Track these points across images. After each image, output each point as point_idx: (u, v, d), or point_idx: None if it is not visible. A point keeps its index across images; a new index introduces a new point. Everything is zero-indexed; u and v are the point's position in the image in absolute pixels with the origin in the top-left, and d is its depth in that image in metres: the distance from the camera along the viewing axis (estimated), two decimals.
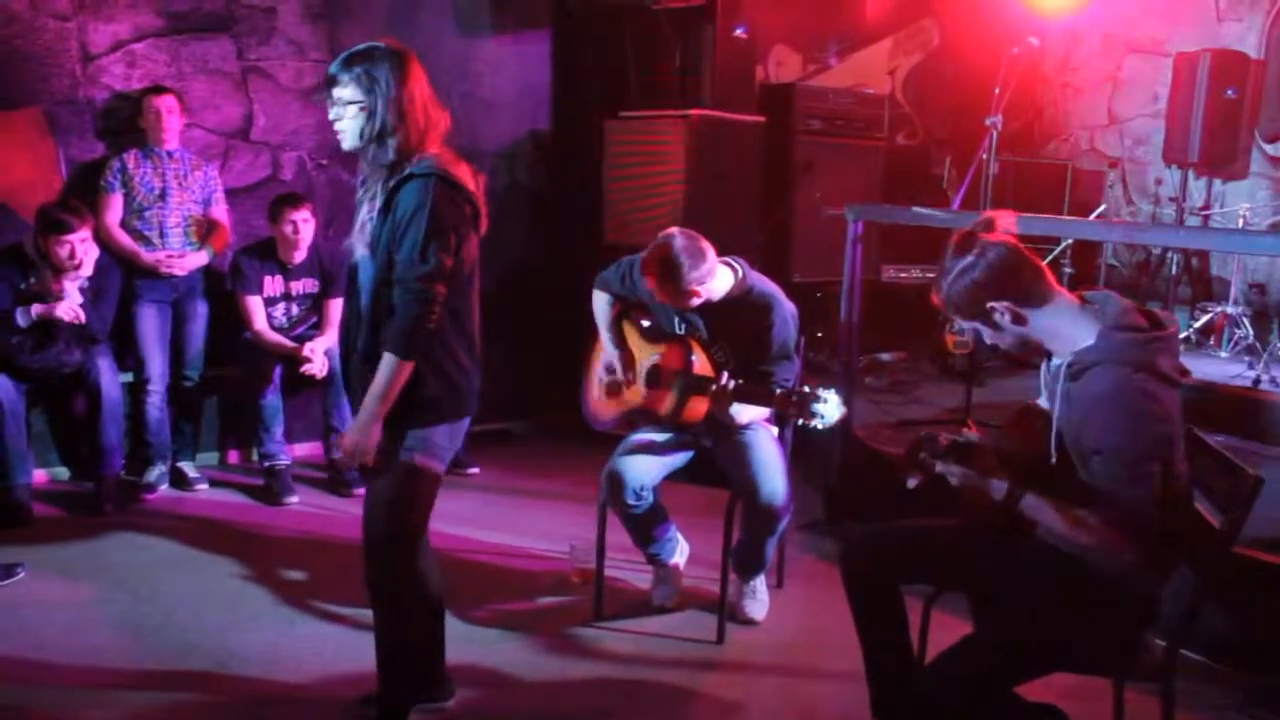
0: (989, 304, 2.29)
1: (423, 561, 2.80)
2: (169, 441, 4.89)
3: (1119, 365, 2.17)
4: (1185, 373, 2.25)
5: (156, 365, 4.81)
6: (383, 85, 2.52)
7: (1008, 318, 2.30)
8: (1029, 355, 2.48)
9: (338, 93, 2.56)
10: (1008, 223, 2.35)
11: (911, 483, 2.42)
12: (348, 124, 2.57)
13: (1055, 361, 2.36)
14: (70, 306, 4.38)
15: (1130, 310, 2.26)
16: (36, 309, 4.34)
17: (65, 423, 4.88)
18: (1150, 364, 2.16)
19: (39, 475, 4.77)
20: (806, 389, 3.06)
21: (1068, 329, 2.29)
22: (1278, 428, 4.62)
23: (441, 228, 2.51)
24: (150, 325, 4.81)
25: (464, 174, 2.61)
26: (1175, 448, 2.21)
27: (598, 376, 3.75)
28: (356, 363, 2.70)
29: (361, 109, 2.54)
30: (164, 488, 4.83)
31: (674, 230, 3.37)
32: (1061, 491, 2.25)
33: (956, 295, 2.32)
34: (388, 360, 2.53)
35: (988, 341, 2.42)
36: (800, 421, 3.07)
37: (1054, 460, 2.33)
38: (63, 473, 4.95)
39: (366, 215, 2.60)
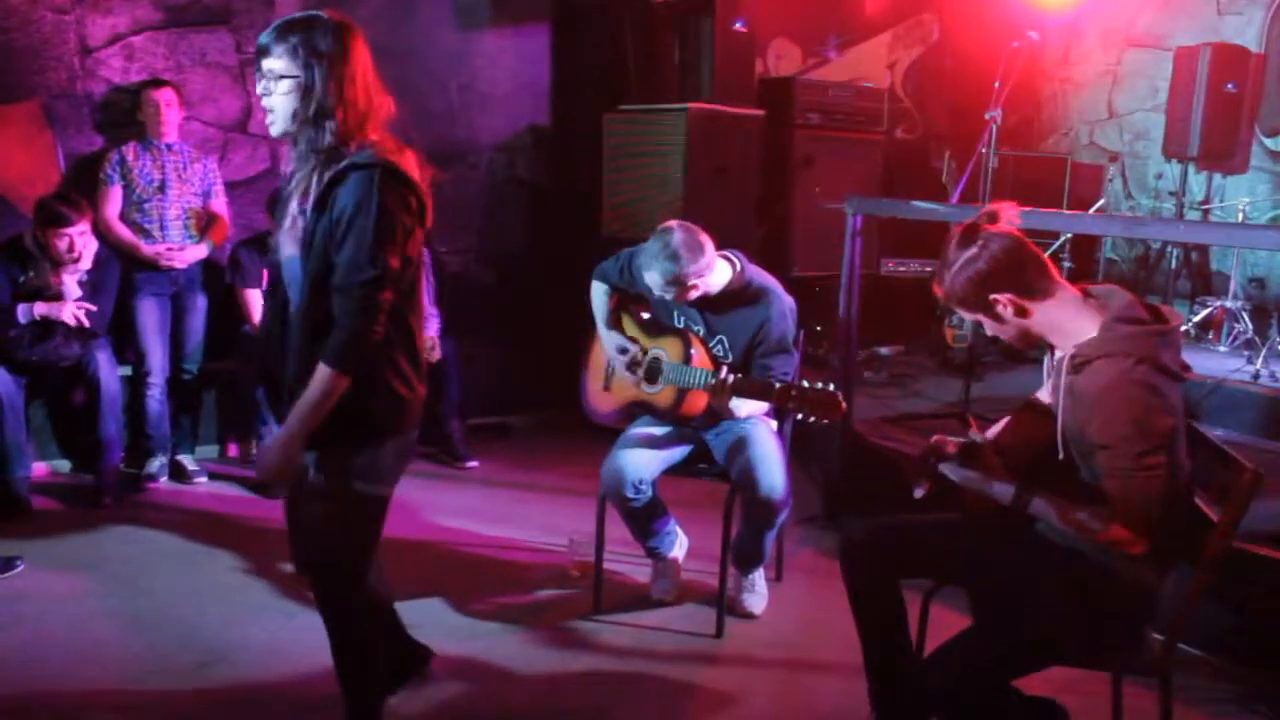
0: (992, 296, 2.29)
1: (371, 579, 2.60)
2: (169, 434, 4.89)
3: (1121, 358, 2.17)
4: (1186, 368, 2.25)
5: (156, 358, 4.81)
6: (321, 59, 2.25)
7: (1010, 310, 2.30)
8: (1030, 348, 2.48)
9: (268, 65, 2.28)
10: (1011, 215, 2.34)
11: (919, 492, 2.42)
12: (278, 101, 2.30)
13: (1057, 355, 2.36)
14: (74, 311, 4.38)
15: (1133, 304, 2.26)
16: (39, 309, 4.34)
17: (64, 415, 4.88)
18: (1153, 357, 2.16)
19: (38, 468, 4.77)
20: (805, 383, 3.06)
21: (1070, 322, 2.29)
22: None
23: (388, 226, 2.22)
24: (150, 318, 4.80)
25: (409, 164, 2.33)
26: (1177, 441, 2.21)
27: (598, 370, 3.75)
28: (289, 375, 2.39)
29: (295, 84, 2.27)
30: (163, 480, 4.83)
31: (673, 223, 3.37)
32: (1066, 487, 2.25)
33: (960, 287, 2.32)
34: (323, 373, 2.23)
35: (989, 334, 2.42)
36: (799, 415, 3.07)
37: (1061, 456, 2.33)
38: (62, 465, 4.96)
39: (297, 209, 2.33)
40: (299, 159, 2.34)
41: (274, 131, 2.35)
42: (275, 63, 2.27)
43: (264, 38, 2.28)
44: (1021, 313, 2.30)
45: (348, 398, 2.28)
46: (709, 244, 3.34)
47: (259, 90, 2.33)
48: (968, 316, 2.41)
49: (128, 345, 4.84)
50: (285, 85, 2.28)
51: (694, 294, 3.37)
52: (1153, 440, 2.12)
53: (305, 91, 2.26)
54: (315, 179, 2.30)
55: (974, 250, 2.29)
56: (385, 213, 2.22)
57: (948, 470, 2.37)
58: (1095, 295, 2.32)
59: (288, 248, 2.39)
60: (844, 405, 3.05)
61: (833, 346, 5.84)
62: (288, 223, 2.37)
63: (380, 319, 2.25)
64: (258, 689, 3.08)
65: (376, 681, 2.66)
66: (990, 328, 2.38)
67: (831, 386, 3.03)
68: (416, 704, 2.96)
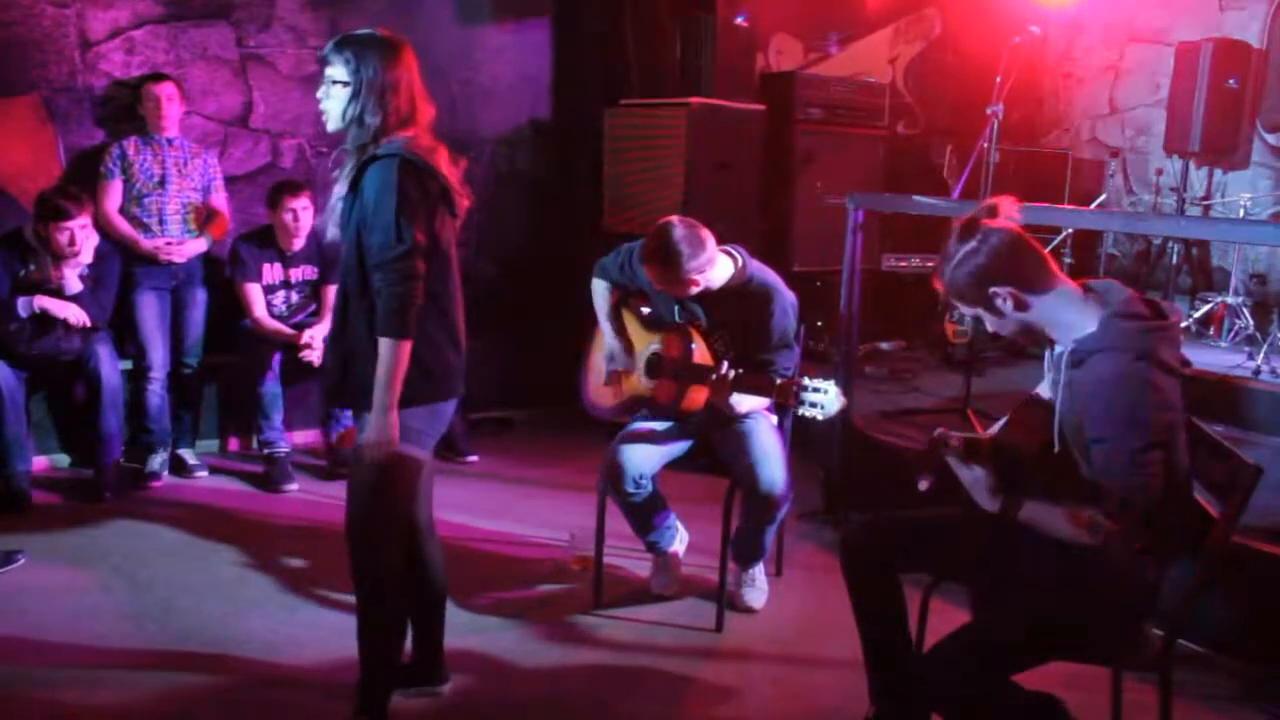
0: (992, 289, 2.29)
1: (424, 548, 2.86)
2: (170, 428, 4.89)
3: (1120, 352, 2.17)
4: (1187, 363, 2.25)
5: (157, 352, 4.81)
6: (369, 68, 2.55)
7: (1010, 304, 2.30)
8: (1030, 343, 2.48)
9: (329, 73, 2.60)
10: (1011, 209, 2.34)
11: (923, 485, 2.42)
12: (332, 104, 2.60)
13: (1057, 350, 2.36)
14: (78, 314, 4.39)
15: (1133, 299, 2.25)
16: (39, 301, 4.34)
17: (65, 410, 4.89)
18: (1151, 352, 2.16)
19: (38, 462, 4.77)
20: (806, 379, 3.06)
21: (1070, 316, 2.29)
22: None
23: (409, 206, 2.50)
24: (150, 312, 4.80)
25: (439, 158, 2.61)
26: (1176, 436, 2.21)
27: (599, 365, 3.75)
28: (333, 339, 2.72)
29: (347, 90, 2.57)
30: (165, 476, 4.83)
31: (673, 218, 3.37)
32: (1065, 482, 2.25)
33: (960, 280, 2.32)
34: (384, 345, 2.51)
35: (989, 329, 2.41)
36: (800, 411, 3.07)
37: (1057, 449, 2.33)
38: (62, 459, 4.96)
39: (337, 196, 2.63)
40: (347, 153, 2.63)
41: (329, 128, 2.64)
42: (333, 70, 2.58)
43: (326, 49, 2.62)
44: (1021, 307, 2.30)
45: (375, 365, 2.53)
46: (710, 239, 3.34)
47: (319, 94, 2.63)
48: (967, 311, 2.41)
49: (128, 339, 4.84)
50: (337, 90, 2.58)
51: (694, 289, 3.36)
52: (1150, 436, 2.12)
53: (353, 96, 2.56)
54: (353, 168, 2.60)
55: (973, 244, 2.29)
56: (404, 193, 2.49)
57: (952, 464, 2.37)
58: (1095, 290, 2.32)
59: (331, 229, 2.69)
60: (844, 401, 3.05)
61: (834, 342, 5.83)
62: (330, 205, 2.67)
63: (418, 285, 2.51)
64: (259, 683, 3.09)
65: (394, 660, 2.80)
66: (990, 322, 2.38)
67: (832, 382, 3.03)
68: (416, 698, 2.97)
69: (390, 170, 2.51)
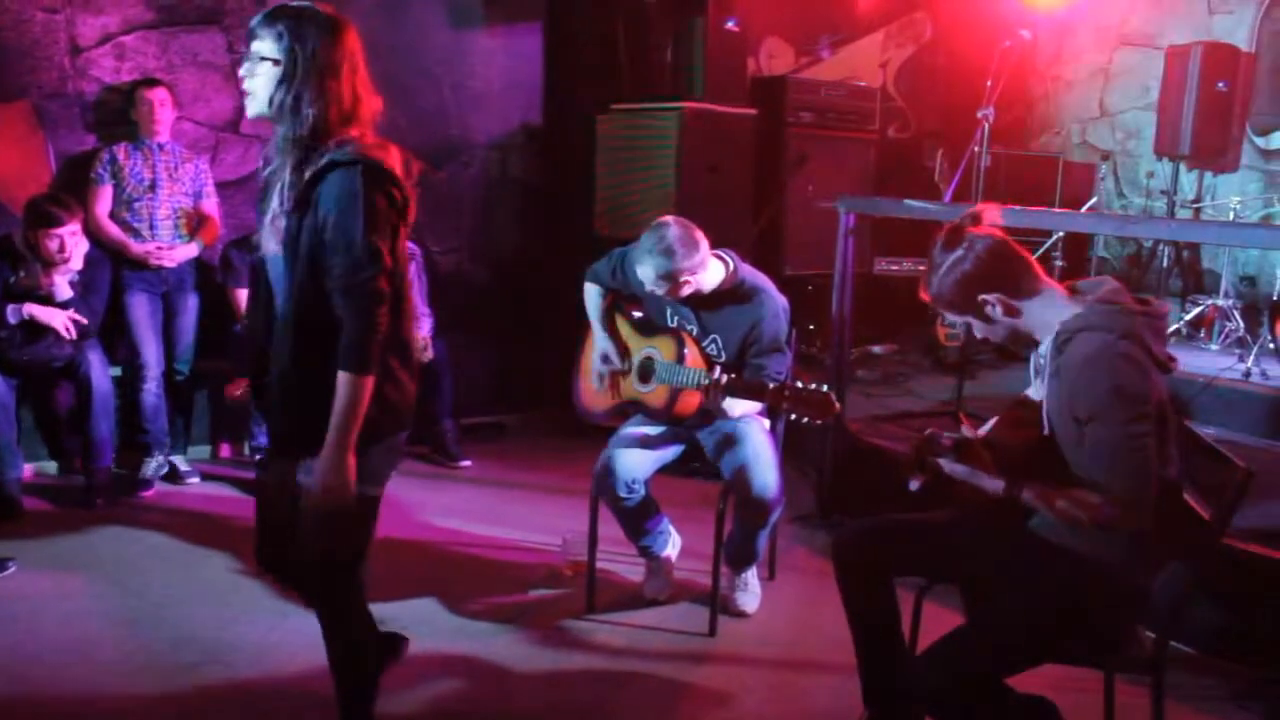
0: (981, 296, 2.30)
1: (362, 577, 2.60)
2: (166, 429, 4.85)
3: (1103, 331, 2.19)
4: (1172, 359, 2.26)
5: (151, 351, 4.78)
6: (305, 47, 2.22)
7: (999, 309, 2.31)
8: (1019, 348, 2.49)
9: (255, 47, 2.26)
10: (994, 216, 2.36)
11: (914, 485, 2.42)
12: (258, 84, 2.26)
13: (1042, 349, 2.37)
14: (66, 323, 4.37)
15: (1118, 290, 2.29)
16: (28, 309, 4.32)
17: (55, 416, 4.86)
18: (1132, 332, 2.18)
19: (28, 469, 4.75)
20: (798, 383, 3.06)
21: (1058, 317, 2.30)
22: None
23: (378, 222, 2.21)
24: (142, 312, 4.78)
25: (394, 160, 2.29)
26: (1166, 427, 2.22)
27: (594, 368, 3.75)
28: (282, 376, 2.34)
29: (276, 68, 2.24)
30: (157, 483, 4.81)
31: (669, 218, 3.38)
32: (1057, 477, 2.26)
33: (948, 289, 2.33)
34: (345, 380, 2.21)
35: (979, 335, 2.43)
36: (792, 415, 3.07)
37: (1046, 431, 2.33)
38: (50, 466, 4.93)
39: (279, 207, 2.29)
40: (277, 149, 2.30)
41: (250, 112, 2.32)
42: (260, 45, 2.25)
43: (254, 20, 2.28)
44: (1010, 312, 2.31)
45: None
46: (704, 241, 3.34)
47: (242, 71, 2.30)
48: (957, 319, 2.42)
49: (120, 345, 4.82)
50: (265, 67, 2.25)
51: (686, 290, 3.37)
52: (1137, 407, 2.13)
53: (285, 78, 2.23)
54: (293, 174, 2.26)
55: (960, 253, 2.30)
56: (372, 209, 2.20)
57: (942, 463, 2.38)
58: (1081, 289, 2.35)
59: (270, 245, 2.34)
60: (837, 406, 3.05)
61: (826, 345, 5.84)
62: (269, 219, 2.32)
63: (384, 311, 2.23)
64: (251, 689, 3.08)
65: (371, 679, 2.66)
66: (979, 329, 2.39)
67: (824, 387, 3.03)
68: (408, 703, 2.96)
69: (353, 180, 2.20)
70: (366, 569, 2.66)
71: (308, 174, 2.23)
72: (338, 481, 2.25)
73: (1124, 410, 2.13)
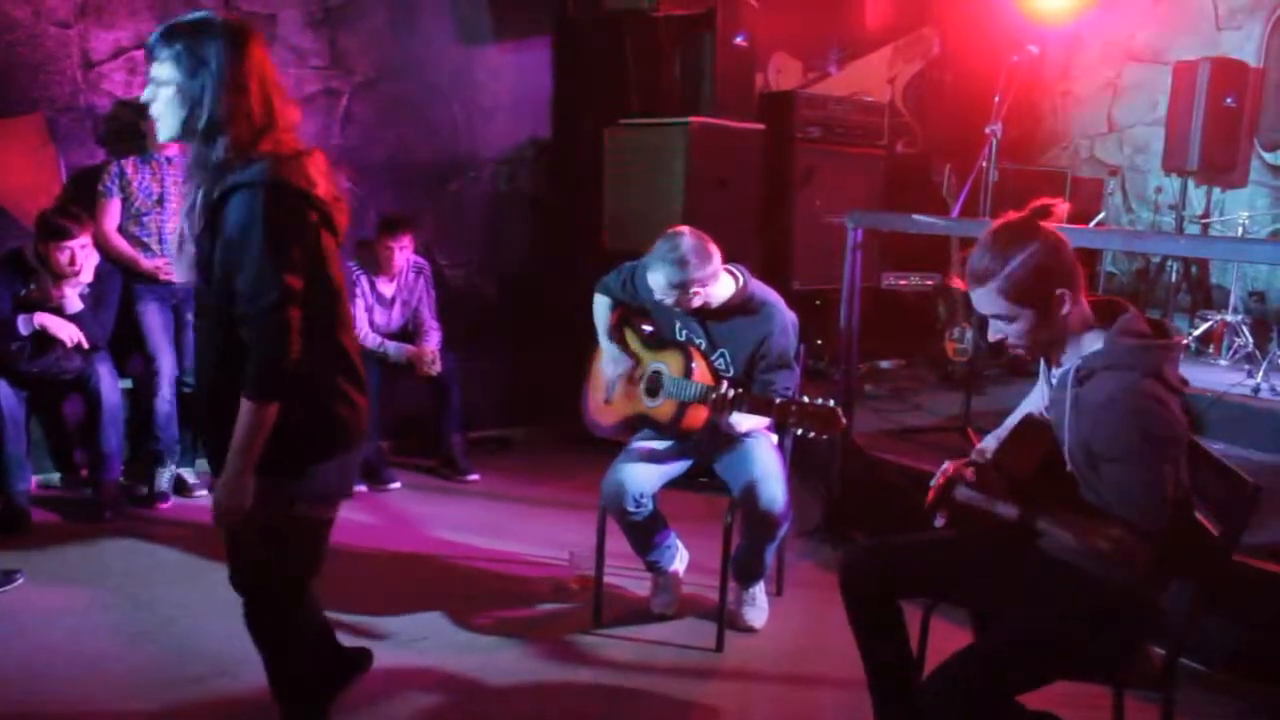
0: (1059, 290, 2.23)
1: (308, 605, 2.53)
2: (177, 437, 4.83)
3: (1126, 370, 2.17)
4: (1185, 382, 2.25)
5: (165, 359, 4.77)
6: (210, 68, 2.12)
7: (1068, 305, 2.26)
8: (1046, 354, 2.42)
9: (154, 71, 2.16)
10: (1061, 213, 2.32)
11: (939, 521, 2.41)
12: (161, 109, 2.17)
13: (1059, 369, 2.35)
14: (71, 333, 4.38)
15: (1136, 318, 2.26)
16: (39, 318, 4.34)
17: (64, 429, 4.87)
18: (1157, 370, 2.16)
19: (35, 481, 4.75)
20: (805, 398, 3.06)
21: (1083, 331, 2.28)
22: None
23: (279, 245, 2.11)
24: (155, 321, 4.78)
25: (314, 171, 2.20)
26: (1183, 454, 2.21)
27: (600, 383, 3.75)
28: (206, 396, 2.32)
29: (179, 93, 2.14)
30: (172, 496, 4.80)
31: (684, 228, 3.39)
32: (1071, 499, 2.25)
33: (1023, 279, 2.22)
34: (246, 407, 2.15)
35: (1014, 339, 2.31)
36: (799, 430, 3.07)
37: (1069, 468, 2.32)
38: (53, 478, 4.93)
39: (189, 233, 2.21)
40: (187, 174, 2.23)
41: (160, 138, 2.27)
42: (159, 69, 2.16)
43: (151, 39, 2.17)
44: (1068, 312, 2.26)
45: (288, 423, 2.20)
46: (717, 254, 3.35)
47: (144, 96, 2.21)
48: (1005, 314, 2.28)
49: (130, 357, 4.83)
50: (168, 93, 2.16)
51: (696, 301, 3.37)
52: (1168, 449, 2.12)
53: (192, 103, 2.14)
54: (201, 197, 2.17)
55: (1036, 244, 2.23)
56: (275, 232, 2.11)
57: (957, 491, 2.36)
58: (1097, 307, 2.33)
59: (182, 274, 2.28)
60: (844, 421, 3.05)
61: (833, 360, 5.85)
62: (176, 246, 2.26)
63: (293, 339, 2.14)
64: (258, 702, 3.06)
65: (313, 704, 2.59)
66: (1022, 325, 2.27)
67: (831, 402, 3.03)
68: (412, 717, 2.96)
69: (254, 202, 2.10)
70: (314, 598, 2.57)
71: (215, 195, 2.16)
72: (235, 503, 2.21)
73: (1154, 454, 2.11)
